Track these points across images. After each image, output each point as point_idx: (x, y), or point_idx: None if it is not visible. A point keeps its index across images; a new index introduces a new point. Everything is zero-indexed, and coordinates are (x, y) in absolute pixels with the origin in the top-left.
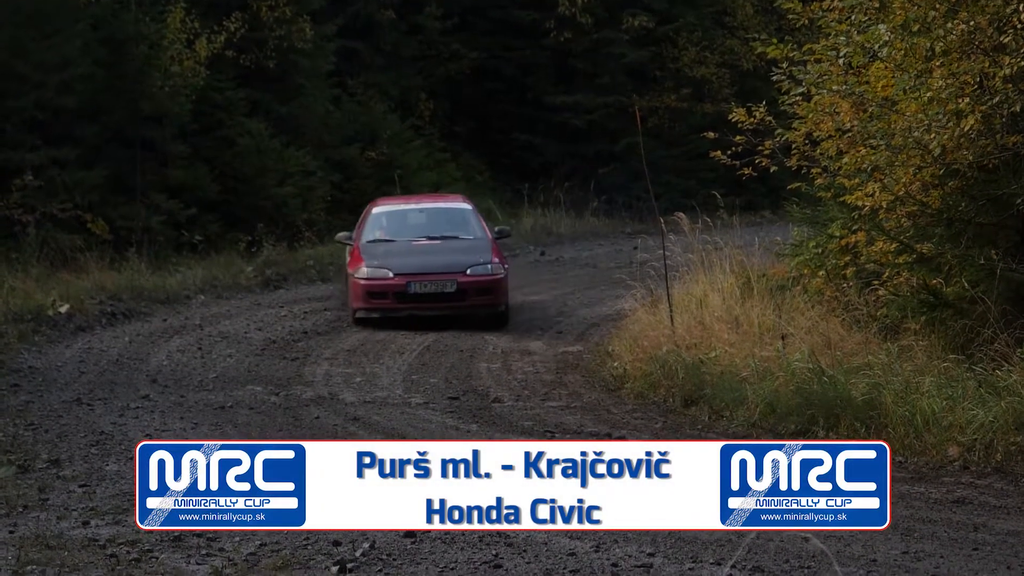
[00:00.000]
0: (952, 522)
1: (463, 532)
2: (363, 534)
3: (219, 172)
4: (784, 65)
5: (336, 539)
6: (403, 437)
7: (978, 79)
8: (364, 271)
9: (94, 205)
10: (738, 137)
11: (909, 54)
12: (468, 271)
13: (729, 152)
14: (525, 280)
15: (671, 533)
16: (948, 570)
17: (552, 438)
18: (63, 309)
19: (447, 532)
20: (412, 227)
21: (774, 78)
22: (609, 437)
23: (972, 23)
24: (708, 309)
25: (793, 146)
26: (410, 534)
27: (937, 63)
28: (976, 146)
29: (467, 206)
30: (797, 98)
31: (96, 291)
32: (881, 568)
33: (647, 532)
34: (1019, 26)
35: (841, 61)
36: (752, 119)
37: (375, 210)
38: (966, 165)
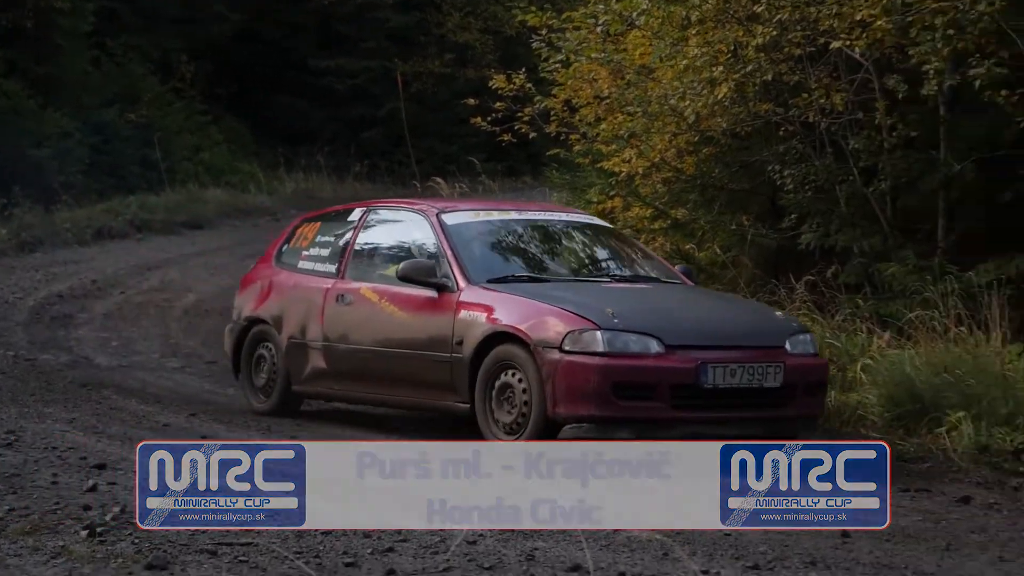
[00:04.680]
0: None
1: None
2: (114, 498)
3: None
4: (543, 32)
5: (87, 503)
6: (157, 399)
7: (732, 48)
8: (597, 337)
9: None
10: (498, 104)
11: (666, 22)
12: (788, 346)
13: (489, 118)
14: None
15: None
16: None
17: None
18: None
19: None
20: (551, 257)
21: (534, 45)
22: None
23: None
24: None
25: (552, 113)
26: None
27: (693, 32)
28: (729, 114)
29: (604, 223)
30: (556, 65)
31: None
32: None
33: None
34: None
35: (599, 29)
36: (512, 86)
37: (450, 220)
38: (720, 132)
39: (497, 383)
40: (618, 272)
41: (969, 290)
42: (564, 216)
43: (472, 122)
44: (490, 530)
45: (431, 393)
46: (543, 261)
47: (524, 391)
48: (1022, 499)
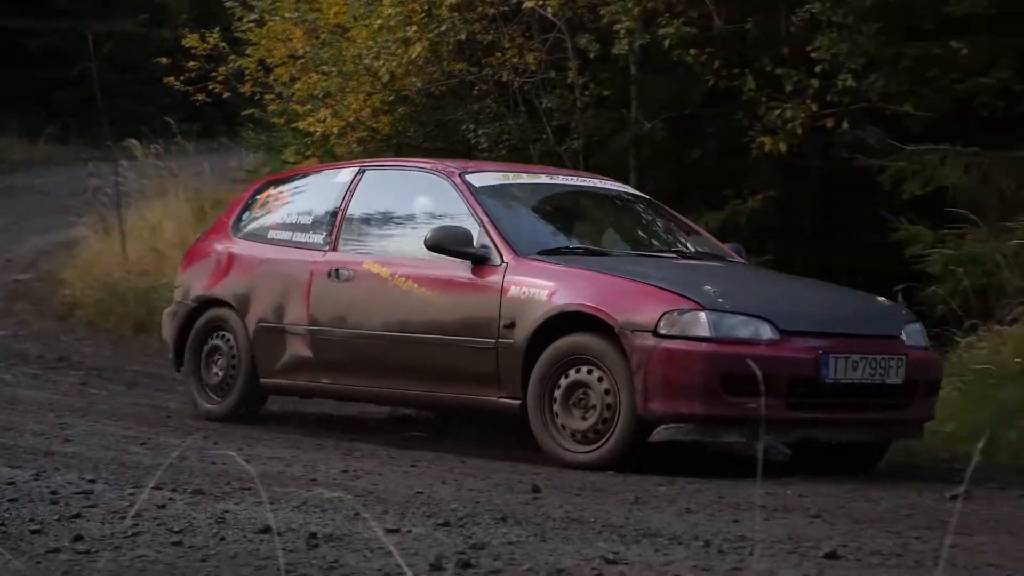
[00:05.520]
0: None
1: None
2: None
3: None
4: None
5: None
6: None
7: (426, 7)
8: (700, 319)
9: None
10: (191, 63)
11: None
12: (904, 336)
13: (183, 78)
14: None
15: (113, 459)
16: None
17: None
18: None
19: None
20: (601, 227)
21: (227, 4)
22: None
23: None
24: (162, 236)
25: (247, 72)
26: None
27: None
28: (424, 73)
29: (643, 194)
30: (251, 24)
31: None
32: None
33: (89, 459)
34: None
35: None
36: (206, 45)
37: (476, 181)
38: (414, 91)
39: (564, 381)
40: (680, 247)
41: None
42: (600, 183)
43: (166, 81)
44: (180, 494)
45: (466, 387)
46: (595, 232)
47: (603, 384)
48: (708, 451)
